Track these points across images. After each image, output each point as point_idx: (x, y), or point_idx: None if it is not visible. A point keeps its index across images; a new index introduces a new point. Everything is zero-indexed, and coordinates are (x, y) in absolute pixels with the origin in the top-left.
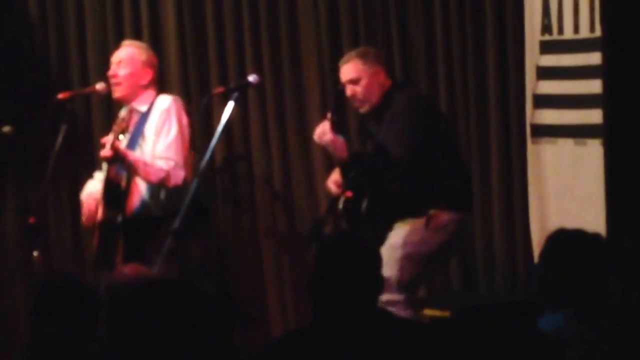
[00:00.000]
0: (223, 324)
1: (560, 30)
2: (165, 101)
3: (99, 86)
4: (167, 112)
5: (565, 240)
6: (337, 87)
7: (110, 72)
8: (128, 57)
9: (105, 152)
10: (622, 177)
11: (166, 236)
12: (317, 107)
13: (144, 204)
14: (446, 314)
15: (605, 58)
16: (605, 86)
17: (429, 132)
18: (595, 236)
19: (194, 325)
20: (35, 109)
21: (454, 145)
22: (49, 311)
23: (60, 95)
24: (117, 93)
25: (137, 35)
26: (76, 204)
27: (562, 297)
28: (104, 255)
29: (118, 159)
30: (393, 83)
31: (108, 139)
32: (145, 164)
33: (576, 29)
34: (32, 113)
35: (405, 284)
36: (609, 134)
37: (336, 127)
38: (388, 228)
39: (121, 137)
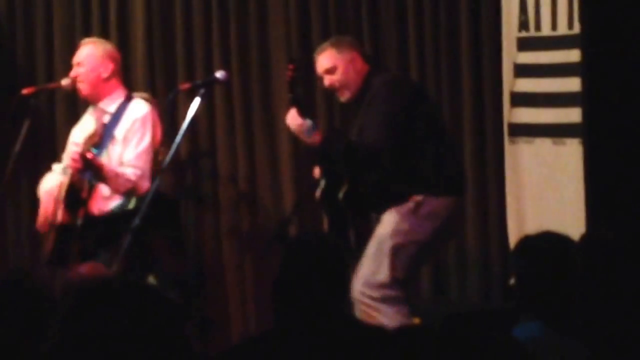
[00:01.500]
0: (180, 327)
1: (538, 27)
2: (141, 109)
3: (65, 82)
4: (143, 121)
5: (532, 248)
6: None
7: (72, 74)
8: (85, 55)
9: (76, 163)
10: (601, 177)
11: (125, 234)
12: (285, 104)
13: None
14: (416, 321)
15: (584, 55)
16: (584, 84)
17: (409, 114)
18: (565, 240)
19: (150, 328)
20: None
21: (440, 127)
22: None
23: (25, 91)
24: (83, 92)
25: (104, 29)
26: (36, 202)
27: (534, 305)
28: (59, 255)
29: (91, 169)
30: (371, 68)
31: (76, 151)
32: (116, 175)
33: (554, 26)
34: None
35: (399, 278)
36: (589, 133)
37: (303, 111)
38: (371, 218)
39: (93, 150)
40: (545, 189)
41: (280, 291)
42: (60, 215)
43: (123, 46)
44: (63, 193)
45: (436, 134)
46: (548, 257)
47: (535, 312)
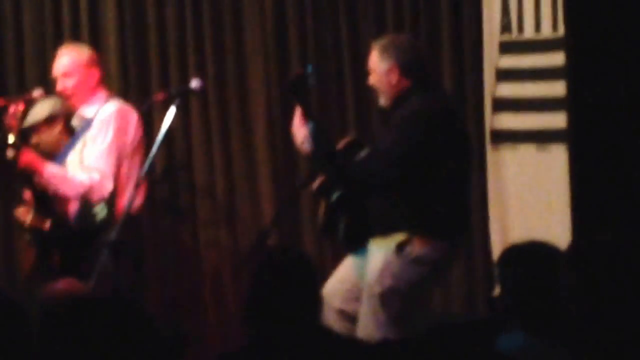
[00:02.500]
0: (158, 343)
1: (521, 30)
2: (108, 109)
3: (36, 93)
4: (107, 121)
5: (517, 257)
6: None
7: (59, 88)
8: (72, 65)
9: (9, 153)
10: (587, 183)
11: (102, 249)
12: (262, 114)
13: (80, 213)
14: None
15: (569, 59)
16: (569, 88)
17: (428, 150)
18: (550, 249)
19: (128, 344)
20: None
21: (461, 167)
22: None
23: None
24: (75, 104)
25: (76, 37)
26: (7, 215)
27: (519, 315)
28: (39, 269)
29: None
30: (413, 83)
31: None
32: (64, 177)
33: (537, 28)
34: None
35: (395, 320)
36: (574, 139)
37: (308, 113)
38: (364, 238)
39: (10, 138)
40: (530, 196)
41: (252, 306)
42: (30, 218)
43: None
44: (30, 193)
45: (451, 173)
46: (533, 267)
47: (520, 322)
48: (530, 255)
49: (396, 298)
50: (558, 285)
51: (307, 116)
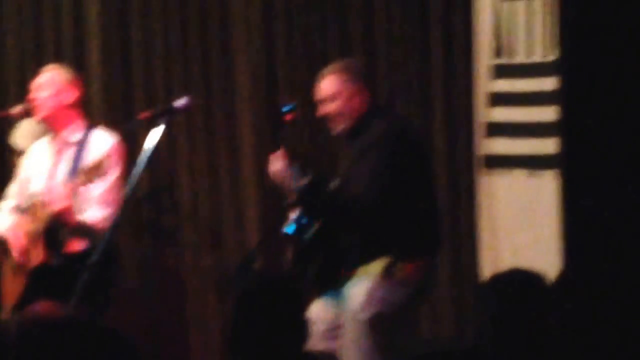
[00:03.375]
0: None
1: (512, 54)
2: (110, 140)
3: (15, 110)
4: (114, 153)
5: (501, 286)
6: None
7: (30, 97)
8: (48, 80)
9: (66, 202)
10: (578, 211)
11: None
12: (249, 133)
13: (91, 247)
14: None
15: (561, 83)
16: (561, 113)
17: (405, 172)
18: (534, 277)
19: None
20: None
21: (430, 184)
22: None
23: None
24: (40, 115)
25: (58, 55)
26: None
27: (504, 344)
28: (30, 298)
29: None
30: (373, 106)
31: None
32: (90, 227)
33: (529, 53)
34: None
35: (381, 346)
36: (565, 165)
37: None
38: (341, 271)
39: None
40: (520, 222)
41: (237, 332)
42: (40, 254)
43: (78, 71)
44: (40, 233)
45: (424, 193)
46: (517, 295)
47: (505, 351)
48: (513, 283)
49: (383, 323)
50: (542, 313)
51: (289, 157)
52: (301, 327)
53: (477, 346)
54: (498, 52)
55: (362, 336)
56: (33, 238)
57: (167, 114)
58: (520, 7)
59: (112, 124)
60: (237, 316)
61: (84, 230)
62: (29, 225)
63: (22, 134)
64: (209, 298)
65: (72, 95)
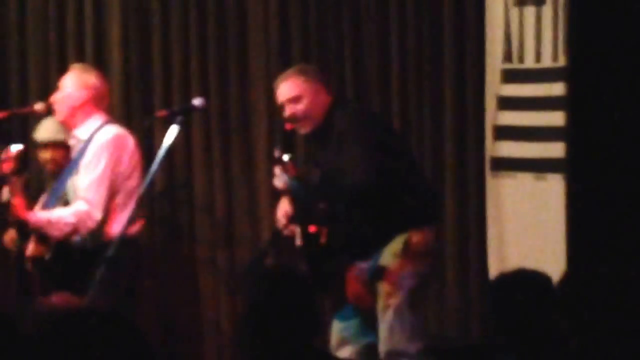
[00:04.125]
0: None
1: (521, 59)
2: (105, 134)
3: (38, 106)
4: (103, 147)
5: (507, 285)
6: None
7: (53, 95)
8: (65, 81)
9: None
10: (584, 214)
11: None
12: (264, 132)
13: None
14: None
15: (569, 89)
16: (568, 118)
17: (385, 149)
18: (540, 277)
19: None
20: None
21: (411, 157)
22: None
23: None
24: (58, 117)
25: (80, 54)
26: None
27: (510, 342)
28: (30, 286)
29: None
30: (334, 100)
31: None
32: (49, 222)
33: (538, 58)
34: None
35: (416, 327)
36: (572, 169)
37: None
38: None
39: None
40: (527, 224)
41: (248, 327)
42: (31, 248)
43: (99, 71)
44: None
45: (408, 165)
46: (523, 295)
47: (511, 349)
48: (519, 283)
49: (414, 298)
50: (547, 312)
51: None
52: (313, 321)
53: (483, 345)
54: (508, 58)
55: (399, 318)
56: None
57: (183, 113)
58: (530, 13)
59: (130, 120)
60: (249, 311)
61: (23, 226)
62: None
63: (46, 128)
64: (221, 292)
65: (80, 97)
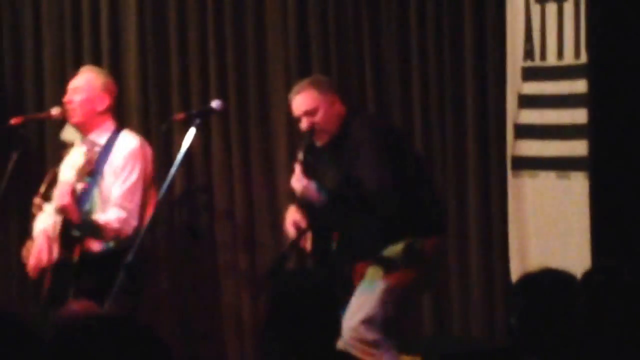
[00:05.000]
0: None
1: (543, 56)
2: (131, 143)
3: (54, 111)
4: (133, 156)
5: (532, 285)
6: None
7: (66, 99)
8: (84, 83)
9: (64, 199)
10: (607, 212)
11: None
12: (284, 135)
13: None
14: (417, 359)
15: (591, 86)
16: (590, 116)
17: (396, 155)
18: (565, 277)
19: None
20: None
21: (419, 164)
22: None
23: (13, 121)
24: (73, 119)
25: (96, 57)
26: (25, 235)
27: (534, 343)
28: (55, 294)
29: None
30: (348, 110)
31: (66, 185)
32: (99, 227)
33: (560, 55)
34: None
35: (389, 322)
36: (595, 167)
37: (309, 171)
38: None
39: (87, 179)
40: (549, 224)
41: (270, 332)
42: (55, 253)
43: (115, 74)
44: (57, 231)
45: (418, 172)
46: (548, 295)
47: (535, 351)
48: (544, 283)
49: (397, 297)
50: (572, 313)
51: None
52: (333, 325)
53: (508, 346)
54: (529, 55)
55: (375, 298)
56: (54, 238)
57: (202, 115)
58: (552, 10)
59: (148, 124)
60: (271, 315)
61: (88, 227)
62: (54, 227)
63: (73, 129)
64: (242, 297)
65: (106, 101)
